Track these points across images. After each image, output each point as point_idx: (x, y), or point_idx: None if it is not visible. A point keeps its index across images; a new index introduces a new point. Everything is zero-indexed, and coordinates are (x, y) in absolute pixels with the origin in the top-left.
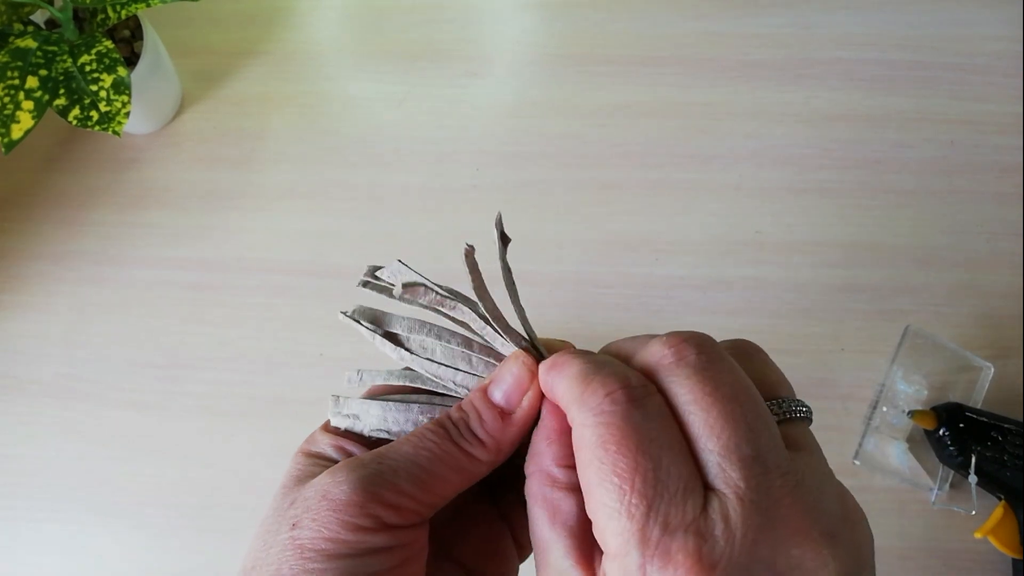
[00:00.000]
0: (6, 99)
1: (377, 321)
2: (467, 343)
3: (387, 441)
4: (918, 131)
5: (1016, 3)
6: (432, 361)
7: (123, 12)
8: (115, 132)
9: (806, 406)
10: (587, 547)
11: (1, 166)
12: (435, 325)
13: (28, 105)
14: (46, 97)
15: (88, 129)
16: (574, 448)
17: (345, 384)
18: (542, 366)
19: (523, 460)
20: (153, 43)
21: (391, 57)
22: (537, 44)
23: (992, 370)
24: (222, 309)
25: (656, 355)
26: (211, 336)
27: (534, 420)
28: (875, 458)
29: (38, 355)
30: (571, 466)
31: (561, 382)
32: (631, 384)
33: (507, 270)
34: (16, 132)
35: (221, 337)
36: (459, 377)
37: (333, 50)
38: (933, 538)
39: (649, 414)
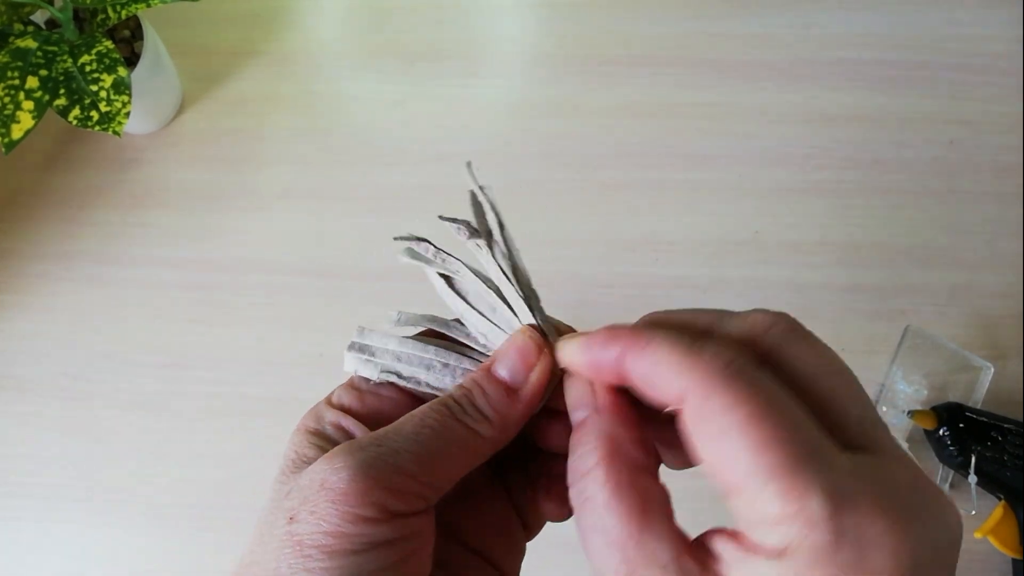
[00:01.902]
0: (6, 99)
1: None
2: (499, 296)
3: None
4: (918, 131)
5: (1016, 3)
6: (466, 302)
7: (123, 12)
8: (115, 132)
9: None
10: (682, 533)
11: (1, 166)
12: (478, 272)
13: (28, 105)
14: (46, 97)
15: (88, 129)
16: (690, 426)
17: (384, 325)
18: (596, 345)
19: (528, 439)
20: (153, 43)
21: (391, 57)
22: (537, 44)
23: (992, 370)
24: (222, 309)
25: (762, 324)
26: (211, 336)
27: (541, 399)
28: None
29: (38, 355)
30: (652, 450)
31: (652, 357)
32: (743, 351)
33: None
34: (16, 132)
35: (221, 337)
36: (489, 330)
37: (333, 50)
38: None
39: (771, 378)
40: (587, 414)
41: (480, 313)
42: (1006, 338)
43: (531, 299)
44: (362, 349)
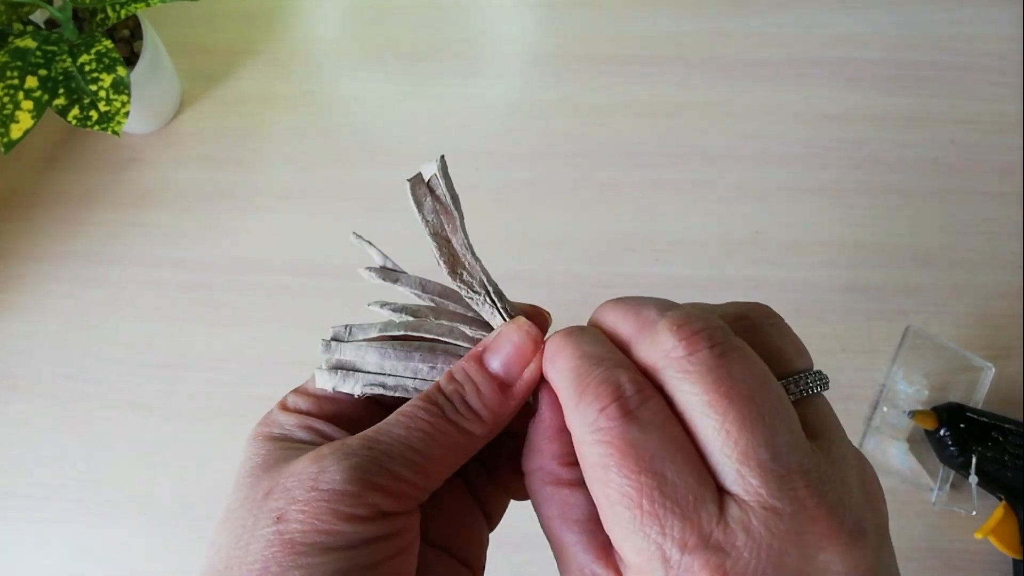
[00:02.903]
0: (6, 99)
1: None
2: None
3: (373, 416)
4: (918, 131)
5: (1016, 3)
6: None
7: (123, 12)
8: (115, 132)
9: (823, 377)
10: (604, 540)
11: (1, 166)
12: (437, 283)
13: (28, 105)
14: (46, 97)
15: (88, 129)
16: (577, 456)
17: (327, 343)
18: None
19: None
20: (153, 43)
21: (391, 57)
22: (537, 44)
23: (992, 370)
24: (221, 309)
25: (663, 350)
26: (210, 336)
27: (530, 393)
28: (876, 458)
29: (38, 355)
30: (574, 463)
31: (556, 379)
32: (625, 395)
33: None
34: (16, 132)
35: (220, 337)
36: (467, 328)
37: (333, 50)
38: (934, 538)
39: (647, 425)
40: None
41: (462, 315)
42: (1007, 338)
43: (495, 291)
44: (337, 365)
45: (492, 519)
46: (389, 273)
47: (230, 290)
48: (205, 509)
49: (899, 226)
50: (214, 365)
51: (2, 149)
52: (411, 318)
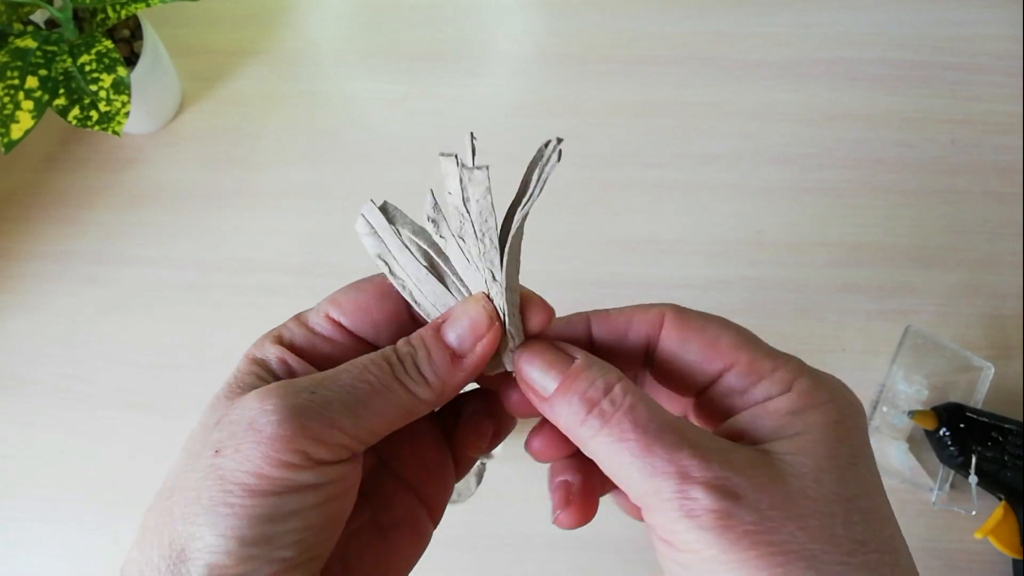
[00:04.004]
0: (6, 99)
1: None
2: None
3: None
4: (918, 131)
5: (1016, 3)
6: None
7: (123, 12)
8: (115, 132)
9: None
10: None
11: (1, 166)
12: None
13: (28, 105)
14: (46, 97)
15: (88, 129)
16: (674, 337)
17: (372, 230)
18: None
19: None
20: (153, 43)
21: (391, 57)
22: (537, 44)
23: (992, 370)
24: (221, 309)
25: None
26: (210, 336)
27: (483, 369)
28: (876, 458)
29: (38, 355)
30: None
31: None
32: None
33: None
34: (16, 132)
35: (220, 336)
36: (442, 293)
37: (333, 50)
38: (933, 538)
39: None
40: (566, 369)
41: (438, 278)
42: (1006, 338)
43: (508, 262)
44: (373, 225)
45: (460, 465)
46: (397, 216)
47: (229, 290)
48: None
49: (899, 226)
50: (214, 365)
51: (2, 149)
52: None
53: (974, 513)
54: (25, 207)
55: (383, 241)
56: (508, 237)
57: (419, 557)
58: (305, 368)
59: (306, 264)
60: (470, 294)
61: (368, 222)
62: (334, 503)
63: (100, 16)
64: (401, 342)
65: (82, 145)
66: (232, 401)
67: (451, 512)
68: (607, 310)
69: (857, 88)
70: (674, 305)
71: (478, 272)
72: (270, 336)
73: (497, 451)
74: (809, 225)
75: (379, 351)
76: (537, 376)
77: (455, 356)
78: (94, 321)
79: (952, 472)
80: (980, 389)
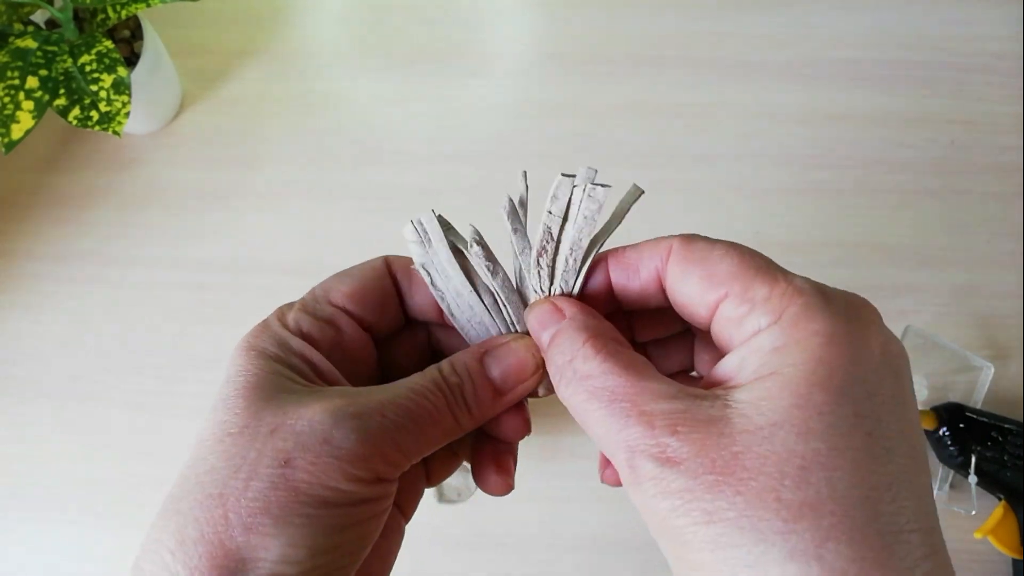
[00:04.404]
0: (6, 99)
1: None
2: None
3: (367, 355)
4: (918, 131)
5: (1016, 3)
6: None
7: (123, 12)
8: (115, 132)
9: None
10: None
11: (1, 166)
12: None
13: (28, 105)
14: (46, 97)
15: (88, 129)
16: (675, 268)
17: (422, 236)
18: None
19: None
20: (153, 43)
21: (391, 57)
22: (537, 44)
23: (992, 370)
24: (222, 309)
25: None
26: (211, 336)
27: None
28: None
29: (38, 355)
30: (620, 335)
31: (633, 253)
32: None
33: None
34: (16, 132)
35: (221, 337)
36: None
37: (333, 50)
38: None
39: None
40: (557, 328)
41: (482, 300)
42: (1006, 338)
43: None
44: (422, 234)
45: (432, 479)
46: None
47: (230, 290)
48: None
49: (899, 226)
50: (215, 365)
51: (3, 149)
52: (487, 262)
53: (974, 513)
54: (25, 207)
55: (429, 252)
56: (587, 262)
57: (399, 548)
58: (326, 364)
59: (306, 264)
60: (509, 318)
61: (417, 230)
62: (382, 516)
63: (100, 16)
64: (447, 369)
65: (82, 145)
66: (284, 408)
67: (451, 512)
68: (623, 248)
69: (857, 88)
70: (685, 234)
71: (538, 294)
72: (277, 325)
73: None
74: (809, 225)
75: (427, 376)
76: (536, 334)
77: (496, 391)
78: (94, 321)
79: (952, 472)
80: (980, 389)
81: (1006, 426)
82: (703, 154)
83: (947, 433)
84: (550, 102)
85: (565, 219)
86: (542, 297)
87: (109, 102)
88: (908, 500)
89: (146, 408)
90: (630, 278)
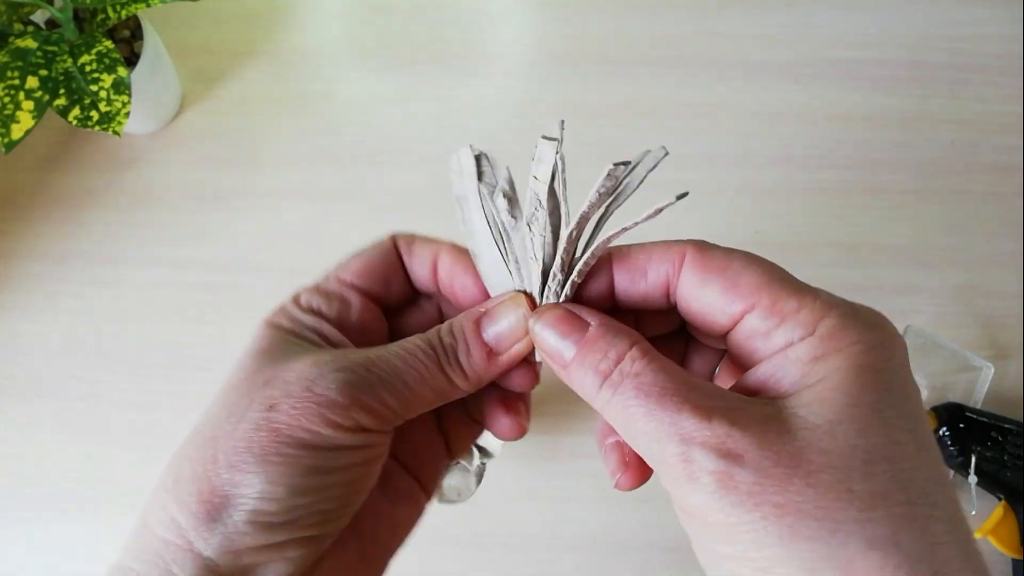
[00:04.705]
0: (6, 99)
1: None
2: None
3: (376, 326)
4: (918, 131)
5: (1016, 3)
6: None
7: (123, 12)
8: (115, 132)
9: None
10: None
11: (1, 166)
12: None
13: (28, 105)
14: (46, 97)
15: (88, 129)
16: (694, 276)
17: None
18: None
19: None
20: (153, 43)
21: (391, 57)
22: (537, 44)
23: (992, 370)
24: (222, 309)
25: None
26: (211, 336)
27: (514, 365)
28: None
29: (38, 355)
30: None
31: (641, 253)
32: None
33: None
34: (16, 132)
35: (221, 337)
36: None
37: (333, 50)
38: None
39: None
40: (585, 334)
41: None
42: (1006, 338)
43: (569, 264)
44: (462, 168)
45: (452, 451)
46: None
47: (230, 290)
48: None
49: (899, 226)
50: (215, 365)
51: (3, 149)
52: (510, 216)
53: (973, 513)
54: (25, 207)
55: (465, 186)
56: (599, 231)
57: (417, 522)
58: (336, 334)
59: (306, 264)
60: (522, 279)
61: (460, 163)
62: (370, 465)
63: (100, 16)
64: (444, 331)
65: (82, 145)
66: (280, 364)
67: (451, 512)
68: (628, 247)
69: (857, 88)
70: (697, 241)
71: (535, 261)
72: (291, 305)
73: (497, 451)
74: (809, 225)
75: (424, 337)
76: (554, 344)
77: (491, 353)
78: (95, 321)
79: (952, 472)
80: (980, 389)
81: (1006, 426)
82: (703, 154)
83: (947, 433)
84: (550, 102)
85: (553, 186)
86: (551, 302)
87: (109, 102)
88: (943, 490)
89: (146, 408)
90: (635, 280)
